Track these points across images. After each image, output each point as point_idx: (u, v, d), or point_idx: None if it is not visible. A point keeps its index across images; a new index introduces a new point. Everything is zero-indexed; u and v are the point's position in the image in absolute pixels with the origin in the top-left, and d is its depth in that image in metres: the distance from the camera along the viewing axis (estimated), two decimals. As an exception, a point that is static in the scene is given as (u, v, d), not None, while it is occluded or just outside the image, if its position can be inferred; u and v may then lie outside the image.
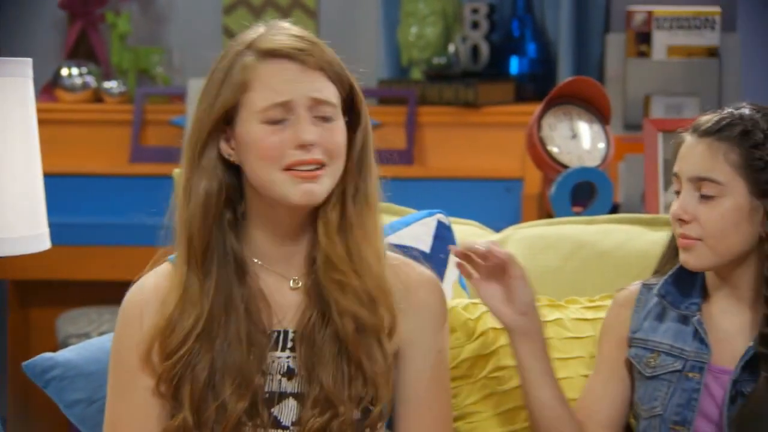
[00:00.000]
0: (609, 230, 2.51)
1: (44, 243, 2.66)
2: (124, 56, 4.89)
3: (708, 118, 2.07)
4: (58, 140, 4.38)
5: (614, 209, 3.45)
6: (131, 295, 1.98)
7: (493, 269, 2.10)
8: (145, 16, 5.05)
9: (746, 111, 2.07)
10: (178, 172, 2.49)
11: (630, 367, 2.17)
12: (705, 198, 2.05)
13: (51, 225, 2.70)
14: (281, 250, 1.96)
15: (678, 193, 2.09)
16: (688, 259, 2.08)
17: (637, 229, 2.50)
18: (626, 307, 2.18)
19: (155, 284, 1.96)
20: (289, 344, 1.95)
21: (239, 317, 1.91)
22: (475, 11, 4.72)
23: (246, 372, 1.89)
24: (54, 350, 2.30)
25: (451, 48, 4.70)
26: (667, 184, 3.08)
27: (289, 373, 1.94)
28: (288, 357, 1.94)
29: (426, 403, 2.00)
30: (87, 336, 4.08)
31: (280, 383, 1.93)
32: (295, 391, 1.93)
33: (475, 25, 4.72)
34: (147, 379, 1.93)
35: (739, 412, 2.02)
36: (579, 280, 2.44)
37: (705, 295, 2.14)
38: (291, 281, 1.97)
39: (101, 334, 2.32)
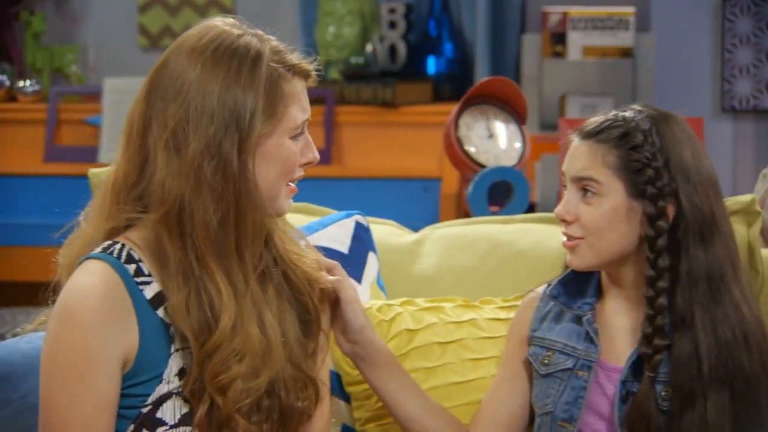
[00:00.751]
0: (525, 230, 2.53)
1: (-43, 244, 2.63)
2: (39, 55, 4.85)
3: (593, 121, 2.12)
4: (-29, 140, 4.32)
5: (531, 208, 3.48)
6: (83, 298, 1.89)
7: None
8: (60, 14, 5.00)
9: (629, 113, 2.11)
10: (93, 171, 2.47)
11: (529, 366, 2.19)
12: (587, 198, 2.08)
13: (-36, 225, 2.67)
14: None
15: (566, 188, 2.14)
16: (572, 260, 2.12)
17: (553, 228, 2.52)
18: (529, 307, 2.21)
19: (107, 286, 1.91)
20: None
21: None
22: (392, 11, 4.74)
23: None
24: (-33, 353, 2.26)
25: (369, 48, 4.71)
26: (583, 184, 3.11)
27: None
28: None
29: None
30: (1, 337, 4.03)
31: None
32: None
33: (392, 25, 4.73)
34: (108, 386, 1.89)
35: (627, 412, 2.05)
36: (496, 279, 2.46)
37: (600, 294, 2.16)
38: None
39: (15, 335, 2.28)
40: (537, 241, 2.48)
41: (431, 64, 4.83)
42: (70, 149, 4.55)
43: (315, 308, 2.02)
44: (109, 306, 1.89)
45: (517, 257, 2.47)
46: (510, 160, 3.20)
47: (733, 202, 2.46)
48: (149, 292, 1.92)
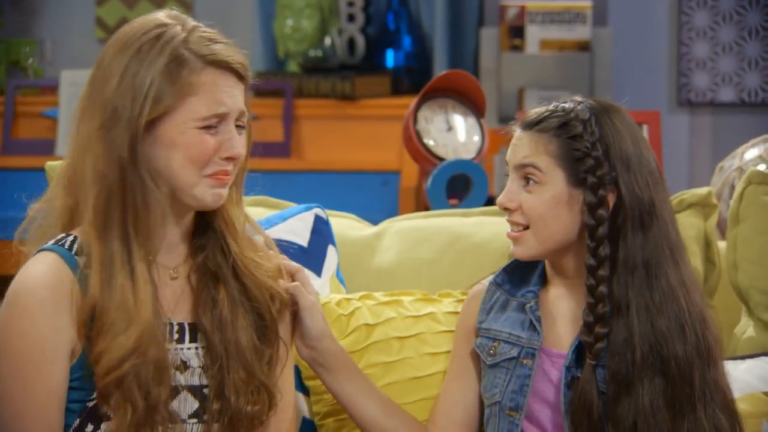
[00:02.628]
0: (484, 222, 2.54)
1: None
2: (-5, 48, 4.81)
3: (534, 111, 2.14)
4: (-73, 133, 4.28)
5: (489, 201, 3.48)
6: (34, 287, 1.91)
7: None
8: (17, 7, 4.96)
9: (569, 104, 2.13)
10: (51, 164, 2.46)
11: (477, 357, 2.19)
12: (528, 186, 2.10)
13: None
14: (164, 242, 1.97)
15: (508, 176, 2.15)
16: (516, 250, 2.13)
17: (511, 221, 2.53)
18: (476, 299, 2.22)
19: (57, 276, 1.92)
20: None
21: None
22: (350, 4, 4.73)
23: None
24: None
25: (328, 41, 4.71)
26: (541, 177, 3.12)
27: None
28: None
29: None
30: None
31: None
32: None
33: (351, 18, 4.72)
34: (58, 373, 1.90)
35: (570, 398, 2.07)
36: (455, 272, 2.46)
37: (544, 282, 2.18)
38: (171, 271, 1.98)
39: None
40: (496, 233, 2.48)
41: (390, 58, 4.83)
42: (27, 142, 4.52)
43: (272, 317, 2.02)
44: (59, 295, 1.90)
45: (476, 250, 2.48)
46: (469, 154, 3.21)
47: (690, 195, 2.47)
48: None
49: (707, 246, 2.46)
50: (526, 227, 2.11)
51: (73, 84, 4.51)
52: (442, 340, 2.31)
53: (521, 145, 2.12)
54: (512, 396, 2.12)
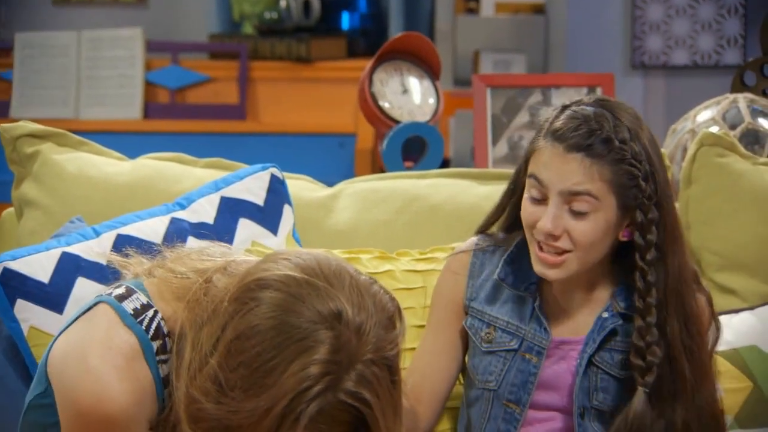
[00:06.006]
0: (440, 184, 2.55)
1: None
2: (-53, 9, 4.76)
3: (569, 127, 2.03)
4: None
5: (445, 164, 3.50)
6: (125, 411, 1.73)
7: None
8: (-31, -32, 4.91)
9: (600, 118, 2.03)
10: (4, 127, 2.46)
11: (465, 334, 2.18)
12: (576, 212, 2.02)
13: None
14: None
15: (538, 200, 2.05)
16: (551, 274, 2.05)
17: (466, 183, 2.54)
18: (460, 274, 2.18)
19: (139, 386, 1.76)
20: None
21: None
22: (306, -34, 4.72)
23: None
24: None
25: (283, 3, 4.69)
26: (496, 139, 3.14)
27: None
28: None
29: None
30: None
31: None
32: None
33: (306, -20, 4.71)
34: None
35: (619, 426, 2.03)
36: (411, 232, 2.47)
37: None
38: None
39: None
40: (451, 195, 2.50)
41: (345, 20, 4.83)
42: (-20, 105, 4.50)
43: None
44: (140, 400, 1.75)
45: (432, 211, 2.49)
46: (424, 116, 3.21)
47: (642, 156, 2.49)
48: (164, 369, 1.79)
49: (659, 207, 2.48)
50: (567, 251, 2.04)
51: (27, 46, 4.48)
52: (401, 297, 2.31)
53: (571, 171, 2.02)
54: (512, 389, 2.09)
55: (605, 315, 2.09)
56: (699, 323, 2.06)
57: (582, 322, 2.10)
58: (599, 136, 2.01)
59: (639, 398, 2.01)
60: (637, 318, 2.03)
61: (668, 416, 2.01)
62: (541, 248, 2.05)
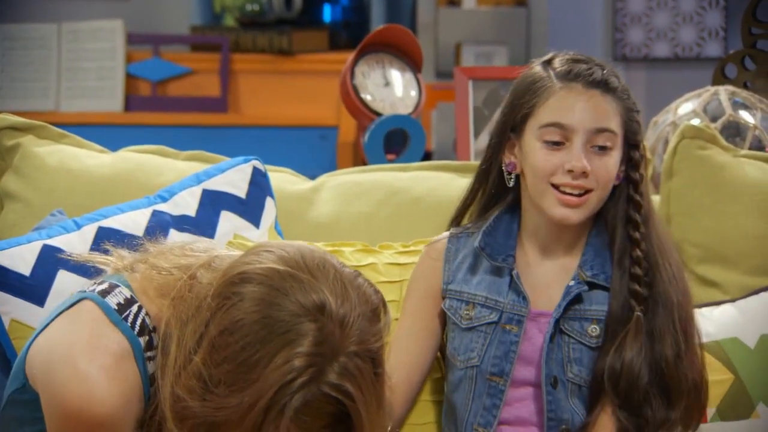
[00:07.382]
0: (421, 177, 2.55)
1: None
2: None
3: (580, 67, 2.08)
4: None
5: (427, 156, 3.50)
6: (112, 411, 1.70)
7: None
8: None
9: (592, 57, 2.11)
10: None
11: (442, 319, 2.19)
12: (600, 149, 2.06)
13: None
14: None
15: (557, 143, 2.07)
16: (572, 215, 2.07)
17: (448, 175, 2.54)
18: (437, 259, 2.20)
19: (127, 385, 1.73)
20: None
21: None
22: (288, -42, 4.71)
23: None
24: None
25: (265, -5, 4.69)
26: (478, 132, 3.14)
27: None
28: None
29: None
30: None
31: None
32: None
33: (288, -28, 4.71)
34: None
35: (611, 366, 2.04)
36: (393, 225, 2.48)
37: (519, 244, 2.16)
38: None
39: None
40: (432, 187, 2.50)
41: (327, 12, 4.82)
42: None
43: None
44: (129, 400, 1.73)
45: (414, 204, 2.49)
46: (406, 109, 3.21)
47: (624, 149, 2.50)
48: (151, 367, 1.77)
49: (641, 199, 2.49)
50: (589, 191, 2.06)
51: (7, 38, 4.47)
52: (384, 290, 2.31)
53: (595, 107, 2.06)
54: (495, 361, 2.10)
55: (572, 283, 2.11)
56: (683, 276, 2.11)
57: (555, 293, 2.12)
58: (609, 71, 2.08)
59: (633, 324, 2.04)
60: (634, 248, 2.06)
61: (658, 351, 2.04)
62: (562, 192, 2.06)
